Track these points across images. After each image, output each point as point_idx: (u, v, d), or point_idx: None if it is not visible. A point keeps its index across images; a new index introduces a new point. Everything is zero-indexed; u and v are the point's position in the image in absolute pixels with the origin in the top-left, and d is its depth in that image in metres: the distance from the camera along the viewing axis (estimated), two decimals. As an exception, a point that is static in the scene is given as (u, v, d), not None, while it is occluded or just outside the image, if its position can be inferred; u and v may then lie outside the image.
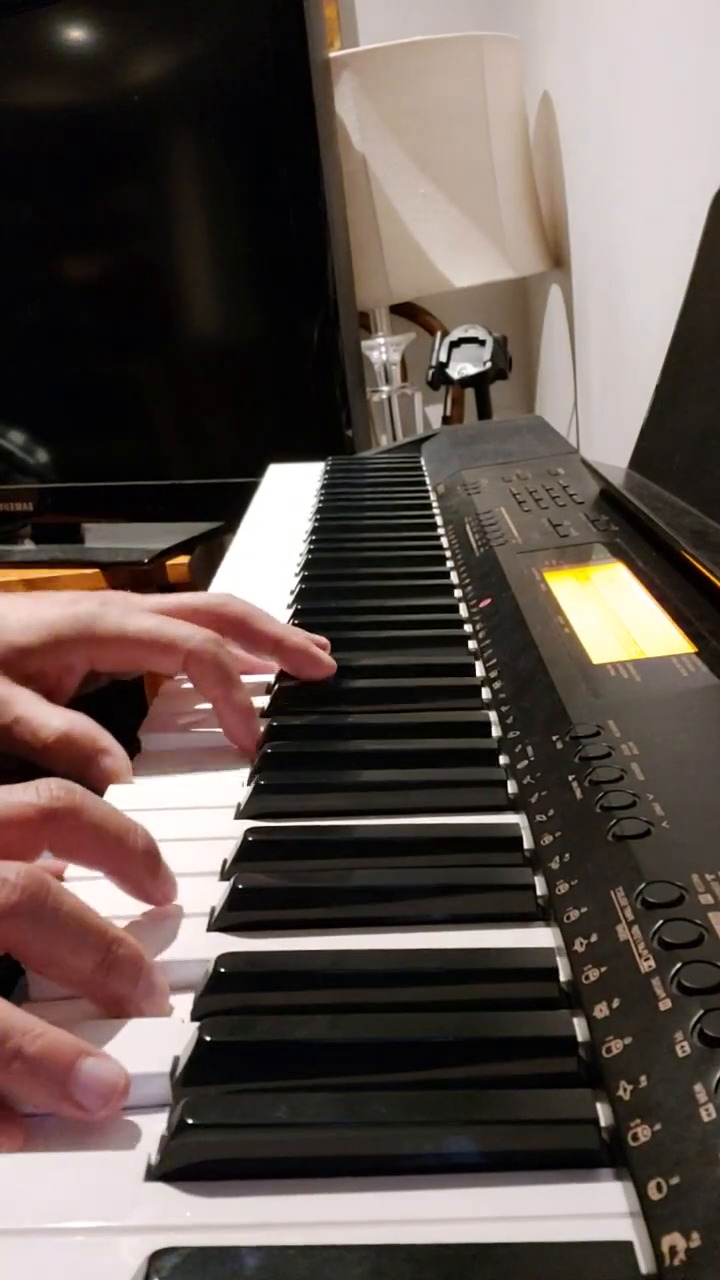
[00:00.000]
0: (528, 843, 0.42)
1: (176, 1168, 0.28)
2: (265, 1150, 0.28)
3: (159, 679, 0.61)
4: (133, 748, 0.54)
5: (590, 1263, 0.25)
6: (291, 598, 0.74)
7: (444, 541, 0.82)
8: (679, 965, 0.30)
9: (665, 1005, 0.30)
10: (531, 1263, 0.25)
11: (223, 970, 0.35)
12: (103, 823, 0.38)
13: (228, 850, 0.43)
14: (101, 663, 0.57)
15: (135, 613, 0.57)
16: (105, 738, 0.53)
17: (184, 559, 1.55)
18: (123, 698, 0.58)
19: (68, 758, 0.52)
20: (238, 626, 0.58)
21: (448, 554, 0.79)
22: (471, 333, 1.58)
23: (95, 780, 0.51)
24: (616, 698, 0.48)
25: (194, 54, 1.45)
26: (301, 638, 0.58)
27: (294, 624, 0.68)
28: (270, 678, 0.60)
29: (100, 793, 0.49)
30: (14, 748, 0.53)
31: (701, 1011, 0.29)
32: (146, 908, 0.40)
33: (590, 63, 1.41)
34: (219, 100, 1.44)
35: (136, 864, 0.39)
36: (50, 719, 0.52)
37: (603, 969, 0.32)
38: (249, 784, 0.49)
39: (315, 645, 0.58)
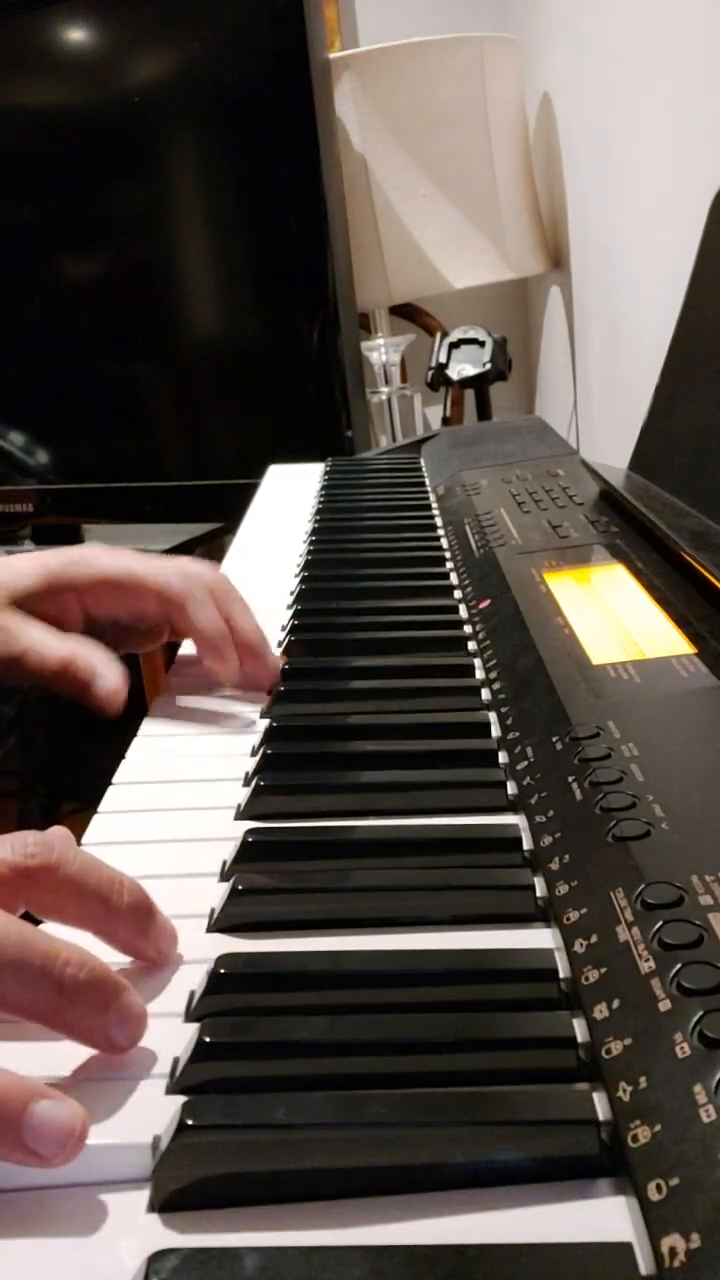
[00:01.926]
0: (527, 844, 0.42)
1: (176, 1177, 0.28)
2: (263, 1163, 0.28)
3: (158, 683, 0.62)
4: (119, 760, 0.54)
5: (590, 1263, 0.25)
6: (291, 598, 0.74)
7: (444, 542, 0.82)
8: (679, 966, 0.30)
9: (665, 1006, 0.30)
10: (531, 1263, 0.25)
11: (223, 970, 0.35)
12: (82, 879, 0.35)
13: (228, 851, 0.43)
14: (92, 604, 0.61)
15: (119, 556, 0.61)
16: (105, 662, 0.57)
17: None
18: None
19: (70, 682, 0.56)
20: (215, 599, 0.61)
21: (447, 555, 0.79)
22: (471, 334, 1.58)
23: (93, 701, 0.56)
24: (616, 699, 0.48)
25: (194, 54, 1.45)
26: (257, 637, 0.61)
27: (294, 624, 0.68)
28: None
29: (104, 713, 0.56)
30: (24, 676, 0.58)
31: (701, 1012, 0.29)
32: None
33: (590, 63, 1.41)
34: (219, 101, 1.44)
35: (123, 922, 0.36)
36: (56, 647, 0.57)
37: (603, 970, 0.32)
38: (248, 785, 0.49)
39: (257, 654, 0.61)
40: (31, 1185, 0.29)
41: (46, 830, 0.38)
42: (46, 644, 0.58)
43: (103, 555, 0.61)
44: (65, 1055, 0.33)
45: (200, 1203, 0.28)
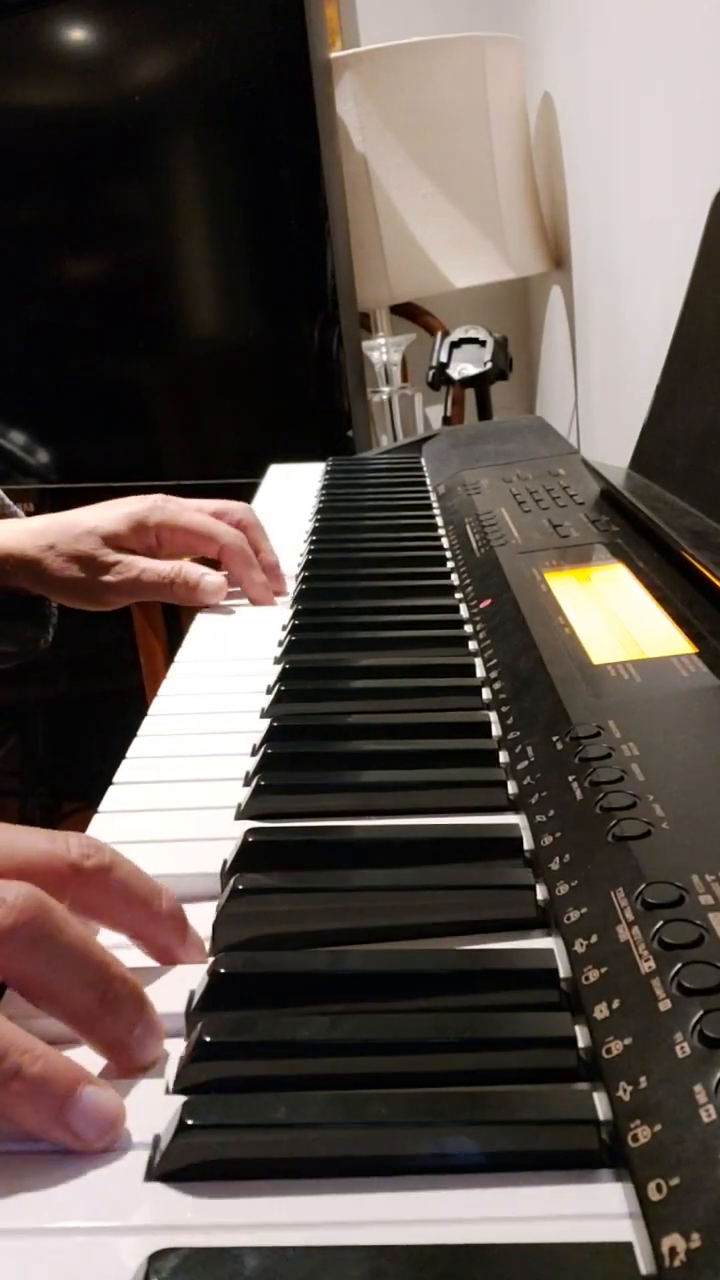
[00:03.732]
0: (528, 843, 0.42)
1: (177, 1168, 0.28)
2: (265, 1151, 0.28)
3: (159, 683, 0.62)
4: (119, 760, 0.54)
5: (590, 1263, 0.25)
6: (292, 597, 0.74)
7: (444, 542, 0.82)
8: (679, 966, 0.30)
9: (665, 1006, 0.30)
10: (531, 1263, 0.25)
11: (223, 970, 0.35)
12: (129, 884, 0.37)
13: (228, 850, 0.43)
14: (166, 543, 0.79)
15: (188, 509, 0.79)
16: (203, 568, 0.75)
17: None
18: (123, 705, 0.61)
19: (182, 587, 0.75)
20: (243, 529, 0.79)
21: (448, 554, 0.79)
22: (472, 333, 1.58)
23: (202, 596, 0.75)
24: (617, 698, 0.48)
25: (194, 54, 1.45)
26: (275, 559, 0.79)
27: (294, 624, 0.68)
28: (271, 678, 0.60)
29: (208, 601, 0.75)
30: (141, 591, 0.77)
31: (701, 1012, 0.29)
32: None
33: (591, 63, 1.40)
34: (220, 101, 1.44)
35: (162, 928, 0.37)
36: (166, 565, 0.77)
37: (603, 970, 0.32)
38: (249, 784, 0.49)
39: (276, 575, 0.79)
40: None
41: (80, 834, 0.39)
42: (156, 564, 0.77)
43: (172, 504, 0.79)
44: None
45: (200, 1176, 0.28)
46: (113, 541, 0.77)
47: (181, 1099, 0.30)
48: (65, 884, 0.35)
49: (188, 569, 0.75)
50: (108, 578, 0.77)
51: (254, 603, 0.77)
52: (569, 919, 0.36)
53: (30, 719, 2.08)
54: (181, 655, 0.68)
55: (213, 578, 0.75)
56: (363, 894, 0.40)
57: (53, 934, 0.32)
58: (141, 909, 0.37)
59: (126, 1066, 0.32)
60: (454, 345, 1.58)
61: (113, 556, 0.77)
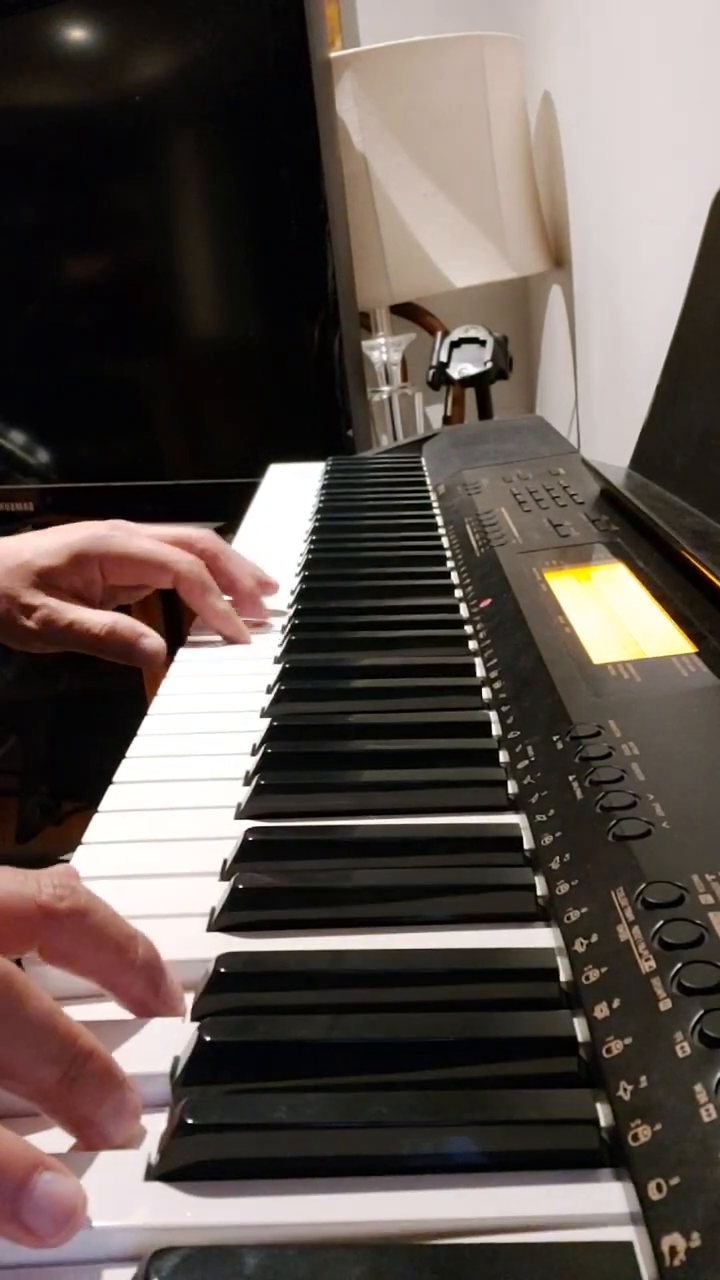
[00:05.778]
0: (528, 843, 0.42)
1: (177, 1168, 0.28)
2: (265, 1150, 0.28)
3: (158, 683, 0.62)
4: (119, 760, 0.54)
5: (590, 1263, 0.25)
6: (292, 598, 0.74)
7: (444, 541, 0.82)
8: (679, 965, 0.30)
9: (665, 1005, 0.30)
10: (531, 1263, 0.25)
11: (223, 970, 0.35)
12: (103, 929, 0.34)
13: (228, 850, 0.43)
14: (112, 576, 0.70)
15: (138, 536, 0.70)
16: (143, 626, 0.67)
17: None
18: (123, 705, 0.61)
19: (117, 645, 0.66)
20: (209, 559, 0.70)
21: (448, 554, 0.79)
22: (472, 333, 1.58)
23: (140, 658, 0.67)
24: (617, 698, 0.48)
25: (194, 54, 1.45)
26: (250, 585, 0.71)
27: (294, 623, 0.68)
28: (271, 678, 0.60)
29: (151, 666, 0.66)
30: (70, 643, 0.68)
31: (702, 1012, 0.29)
32: (148, 910, 0.39)
33: (591, 62, 1.40)
34: (220, 100, 1.44)
35: (136, 977, 0.34)
36: (99, 617, 0.67)
37: (603, 969, 0.32)
38: (249, 784, 0.49)
39: (260, 591, 0.71)
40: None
41: (57, 869, 0.38)
42: (90, 615, 0.67)
43: (119, 533, 0.70)
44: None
45: (200, 1176, 0.28)
46: (48, 577, 0.68)
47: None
48: (35, 928, 0.33)
49: (123, 625, 0.67)
50: (29, 623, 0.67)
51: (222, 636, 0.68)
52: (569, 918, 0.36)
53: (30, 719, 2.08)
54: (181, 655, 0.68)
55: (151, 640, 0.67)
56: (363, 893, 0.40)
57: (16, 1005, 0.29)
58: (115, 956, 0.34)
59: (96, 1145, 0.30)
60: (454, 345, 1.58)
61: (39, 599, 0.67)
